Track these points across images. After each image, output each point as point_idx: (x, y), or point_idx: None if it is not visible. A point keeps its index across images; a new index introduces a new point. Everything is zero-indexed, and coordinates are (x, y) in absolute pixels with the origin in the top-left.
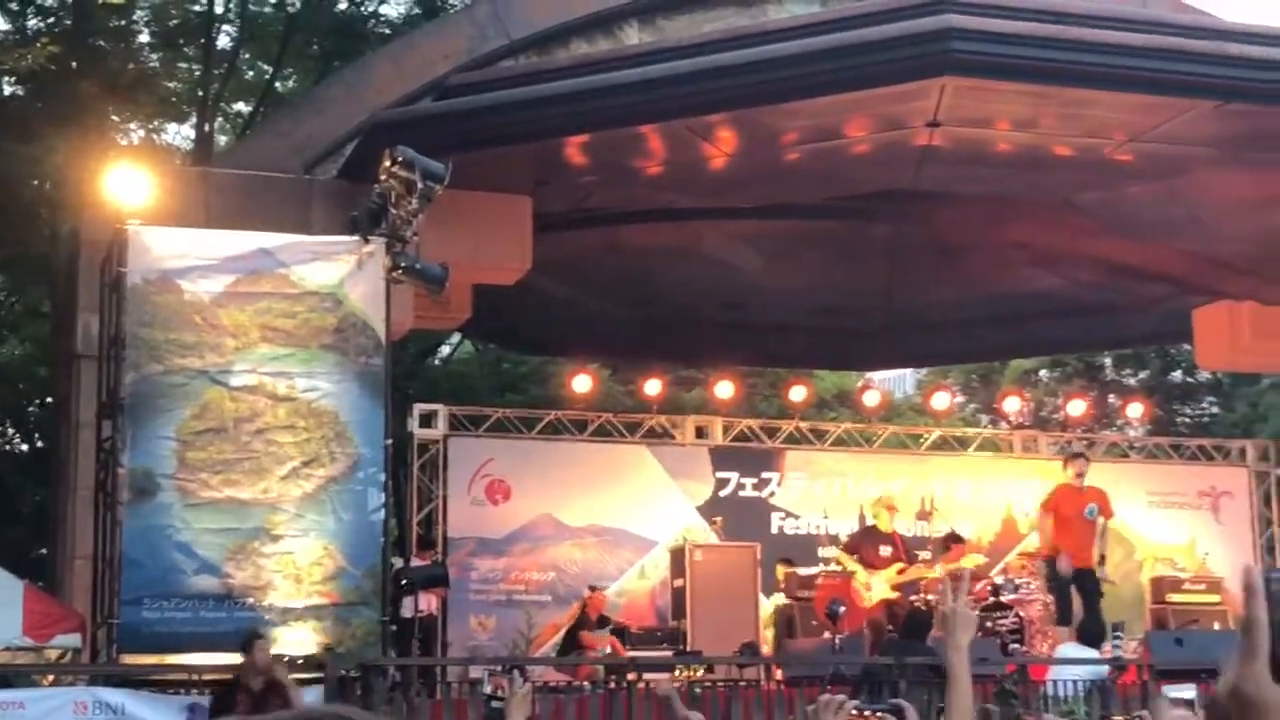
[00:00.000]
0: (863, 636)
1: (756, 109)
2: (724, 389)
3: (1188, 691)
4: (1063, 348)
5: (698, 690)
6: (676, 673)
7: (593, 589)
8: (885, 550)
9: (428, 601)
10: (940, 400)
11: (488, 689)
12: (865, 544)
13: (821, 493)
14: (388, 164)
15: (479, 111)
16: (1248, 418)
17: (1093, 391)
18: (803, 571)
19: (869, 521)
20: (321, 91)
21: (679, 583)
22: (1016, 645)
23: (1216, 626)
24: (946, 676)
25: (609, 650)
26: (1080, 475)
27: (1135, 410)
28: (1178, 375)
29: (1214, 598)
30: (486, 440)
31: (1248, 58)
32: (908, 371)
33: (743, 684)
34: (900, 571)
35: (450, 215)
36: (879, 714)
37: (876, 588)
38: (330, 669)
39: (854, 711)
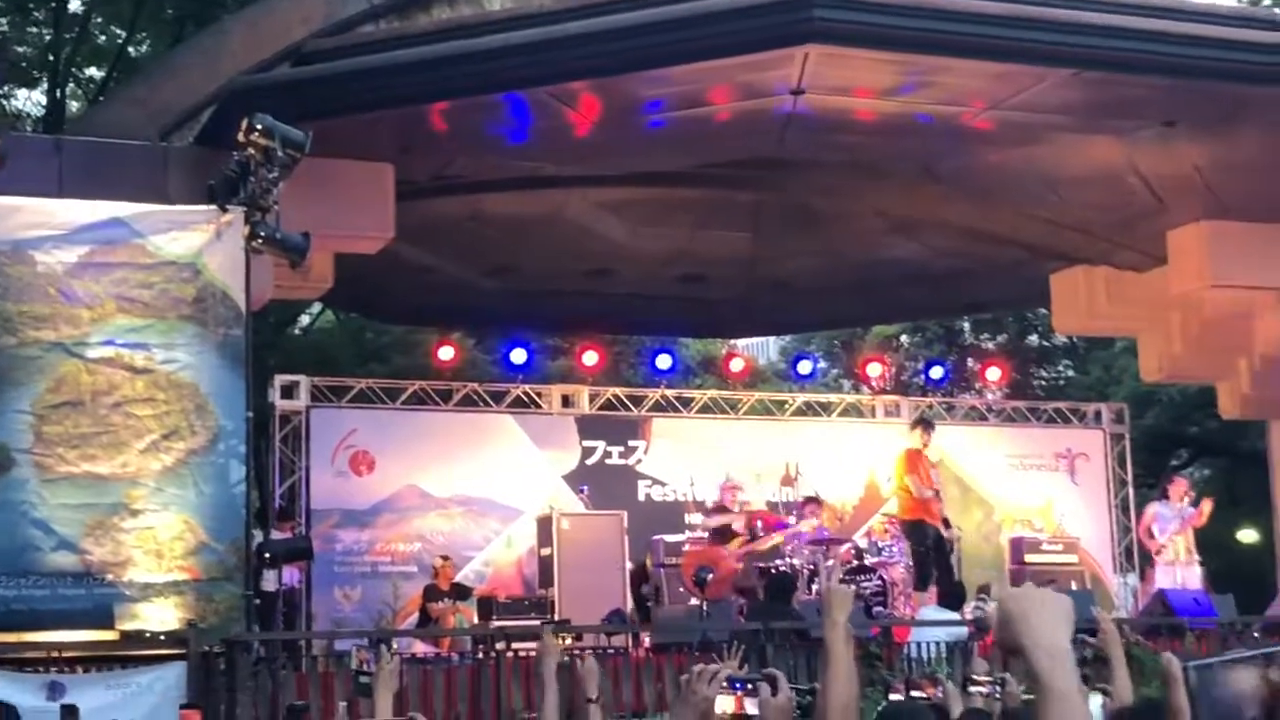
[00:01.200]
0: (729, 602)
1: (620, 76)
2: (590, 357)
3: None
4: (923, 313)
5: (565, 659)
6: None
7: (444, 559)
8: (736, 525)
9: (291, 574)
10: (804, 367)
11: (354, 664)
12: (715, 521)
13: (688, 460)
14: (246, 132)
15: (338, 78)
16: (1102, 380)
17: (952, 356)
18: (669, 539)
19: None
20: (177, 57)
21: (546, 551)
22: (880, 608)
23: (1074, 586)
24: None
25: (461, 620)
26: (928, 442)
27: (993, 374)
28: (1034, 339)
29: (1071, 558)
30: (349, 411)
31: (1104, 26)
32: (771, 338)
33: (611, 651)
34: (743, 544)
35: (311, 183)
36: (752, 683)
37: (726, 560)
38: (193, 645)
39: (726, 682)
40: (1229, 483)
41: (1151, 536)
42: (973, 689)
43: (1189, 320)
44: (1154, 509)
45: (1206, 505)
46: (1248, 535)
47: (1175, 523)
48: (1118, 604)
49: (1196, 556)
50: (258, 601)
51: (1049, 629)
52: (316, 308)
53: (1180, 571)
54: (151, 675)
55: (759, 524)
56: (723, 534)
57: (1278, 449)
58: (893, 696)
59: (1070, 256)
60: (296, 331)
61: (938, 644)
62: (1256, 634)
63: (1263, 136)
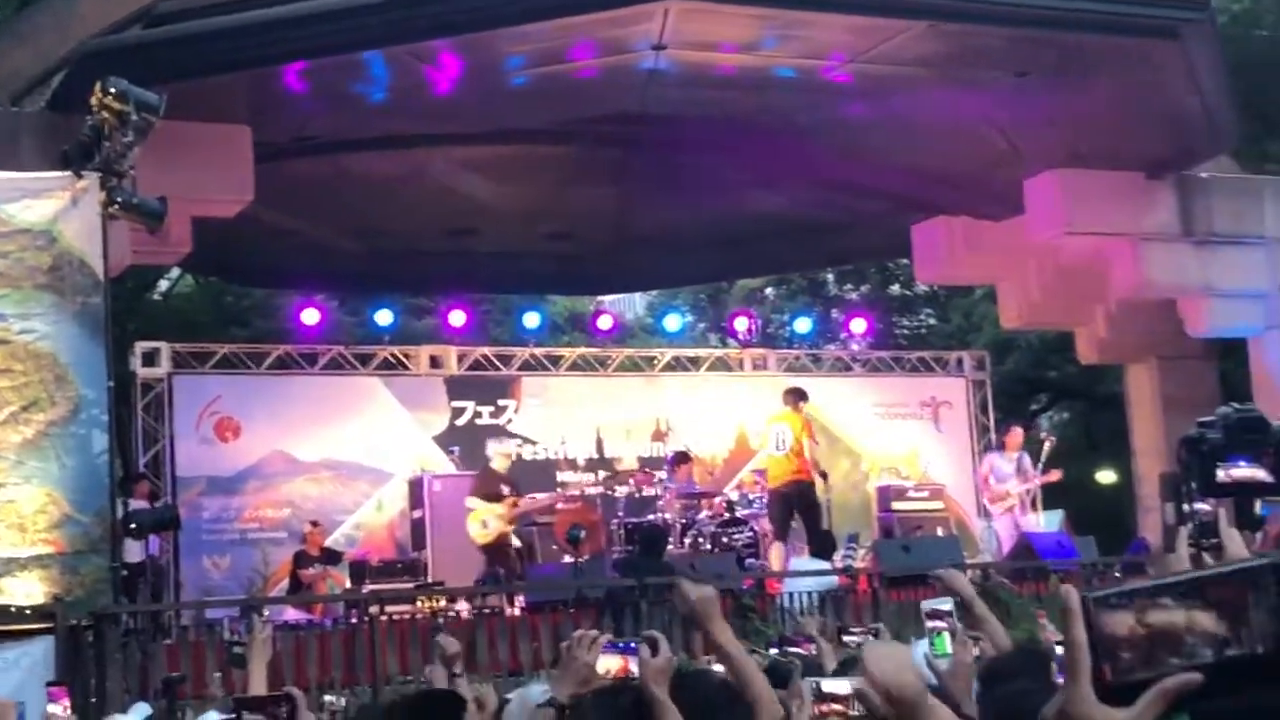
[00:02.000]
0: (604, 560)
1: (479, 33)
2: (456, 317)
3: (944, 603)
4: (787, 266)
5: (440, 621)
6: (419, 604)
7: (313, 525)
8: (505, 489)
9: (154, 544)
10: (671, 322)
11: (226, 634)
12: (485, 483)
13: (558, 418)
14: (99, 96)
15: (191, 39)
16: (963, 328)
17: (817, 308)
18: (540, 497)
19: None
20: (25, 21)
21: (417, 514)
22: (752, 559)
23: (939, 532)
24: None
25: (332, 585)
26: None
27: (858, 325)
28: (897, 289)
29: (937, 504)
30: (213, 377)
31: None
32: (638, 293)
33: (486, 611)
34: (513, 505)
35: (167, 147)
36: (632, 646)
37: (493, 522)
38: (60, 619)
39: (606, 646)
40: (1087, 426)
41: (988, 486)
42: (847, 639)
43: (1046, 268)
44: (991, 459)
45: (1048, 445)
46: (1106, 477)
47: (1012, 473)
48: (982, 548)
49: (1035, 508)
50: (125, 573)
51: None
52: (176, 272)
53: (1017, 520)
54: (18, 650)
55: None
56: (490, 494)
57: (1134, 393)
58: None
59: (930, 207)
60: (156, 297)
61: (810, 594)
62: (1118, 574)
63: (1114, 85)
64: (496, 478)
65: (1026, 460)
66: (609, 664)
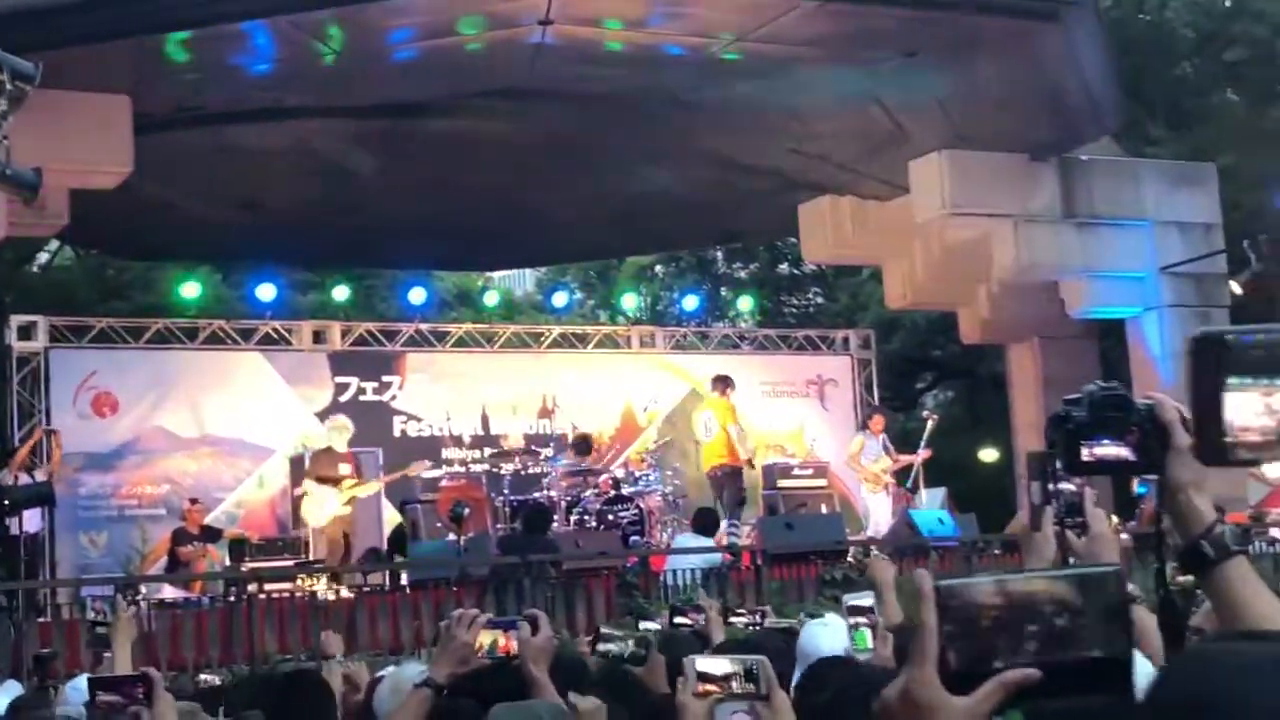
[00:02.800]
0: (488, 536)
1: (363, 5)
2: (340, 292)
3: (865, 599)
4: (677, 244)
5: (320, 600)
6: (299, 582)
7: (193, 502)
8: (344, 468)
9: (33, 520)
10: (559, 299)
11: (90, 614)
12: (322, 465)
13: (444, 394)
14: None
15: (71, 7)
16: (850, 307)
17: (705, 285)
18: (427, 475)
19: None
20: None
21: (299, 491)
22: (637, 537)
23: (823, 509)
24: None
25: (211, 563)
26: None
27: (745, 303)
28: (785, 268)
29: (821, 482)
30: (91, 351)
31: None
32: (528, 270)
33: (367, 590)
34: (352, 488)
35: (44, 116)
36: (514, 623)
37: (330, 505)
38: None
39: (487, 625)
40: (970, 404)
41: (860, 464)
42: (734, 619)
43: (930, 248)
44: (861, 439)
45: (930, 423)
46: (988, 455)
47: (881, 451)
48: (865, 526)
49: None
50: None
51: None
52: (55, 244)
53: (887, 499)
54: None
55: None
56: (326, 476)
57: (1016, 372)
58: (645, 625)
59: (817, 186)
60: (35, 269)
61: (694, 571)
62: (997, 551)
63: (998, 67)
64: (335, 457)
65: (888, 442)
66: (488, 641)
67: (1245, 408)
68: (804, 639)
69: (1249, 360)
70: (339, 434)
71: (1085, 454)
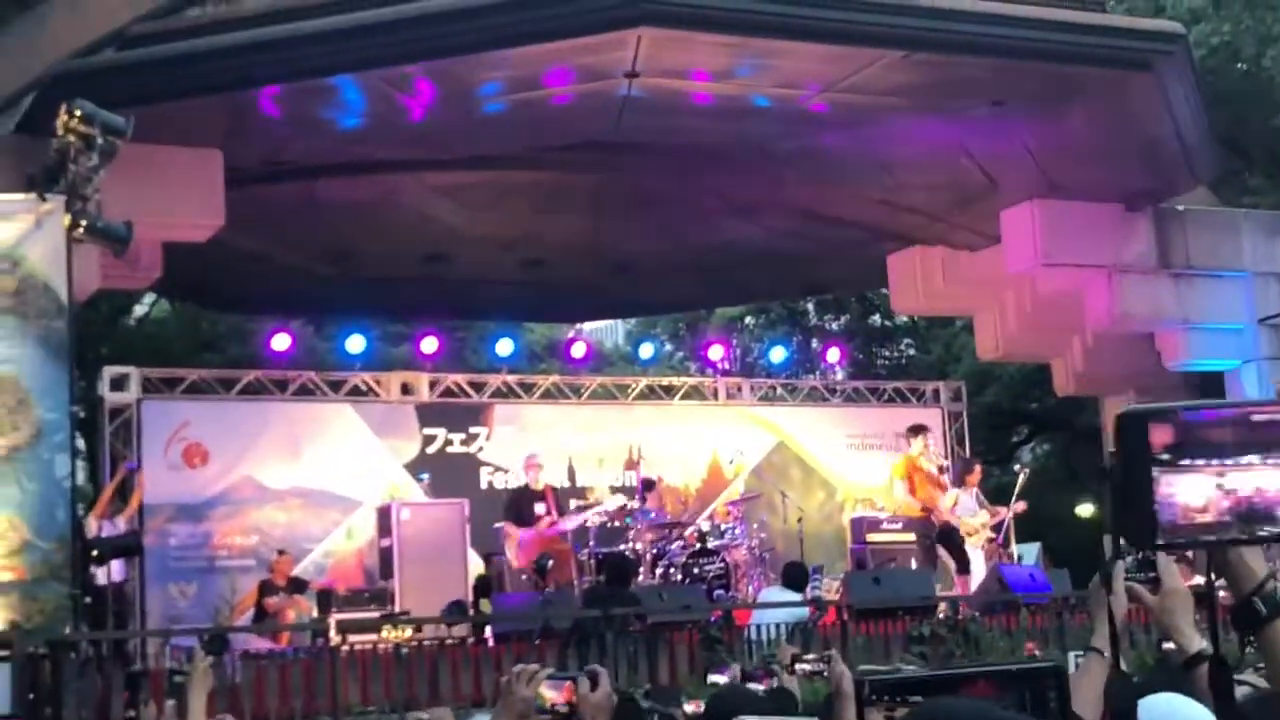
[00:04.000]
0: (572, 588)
1: (453, 59)
2: (429, 344)
3: (815, 665)
4: (764, 295)
5: (404, 651)
6: (383, 634)
7: (280, 553)
8: (539, 508)
9: (120, 570)
10: (646, 350)
11: (169, 664)
12: (518, 505)
13: (530, 445)
14: (65, 118)
15: (163, 62)
16: (943, 359)
17: (795, 337)
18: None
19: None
20: None
21: (386, 542)
22: (722, 591)
23: (913, 564)
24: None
25: (299, 614)
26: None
27: (833, 355)
28: (877, 319)
29: (910, 536)
30: (182, 402)
31: (931, 8)
32: (619, 321)
33: (450, 642)
34: (550, 525)
35: (137, 170)
36: (573, 680)
37: (528, 545)
38: (18, 647)
39: (547, 680)
40: (1066, 457)
41: (957, 519)
42: (799, 667)
43: (1022, 299)
44: (956, 494)
45: (1022, 476)
46: (1085, 510)
47: (976, 506)
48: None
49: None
50: (88, 599)
51: None
52: (151, 297)
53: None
54: None
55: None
56: (521, 514)
57: (1110, 425)
58: (712, 678)
59: (906, 237)
60: (131, 322)
61: (778, 625)
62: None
63: (1090, 116)
64: (531, 496)
65: (981, 496)
66: (550, 697)
67: (1190, 488)
68: None
69: (1197, 439)
70: (535, 472)
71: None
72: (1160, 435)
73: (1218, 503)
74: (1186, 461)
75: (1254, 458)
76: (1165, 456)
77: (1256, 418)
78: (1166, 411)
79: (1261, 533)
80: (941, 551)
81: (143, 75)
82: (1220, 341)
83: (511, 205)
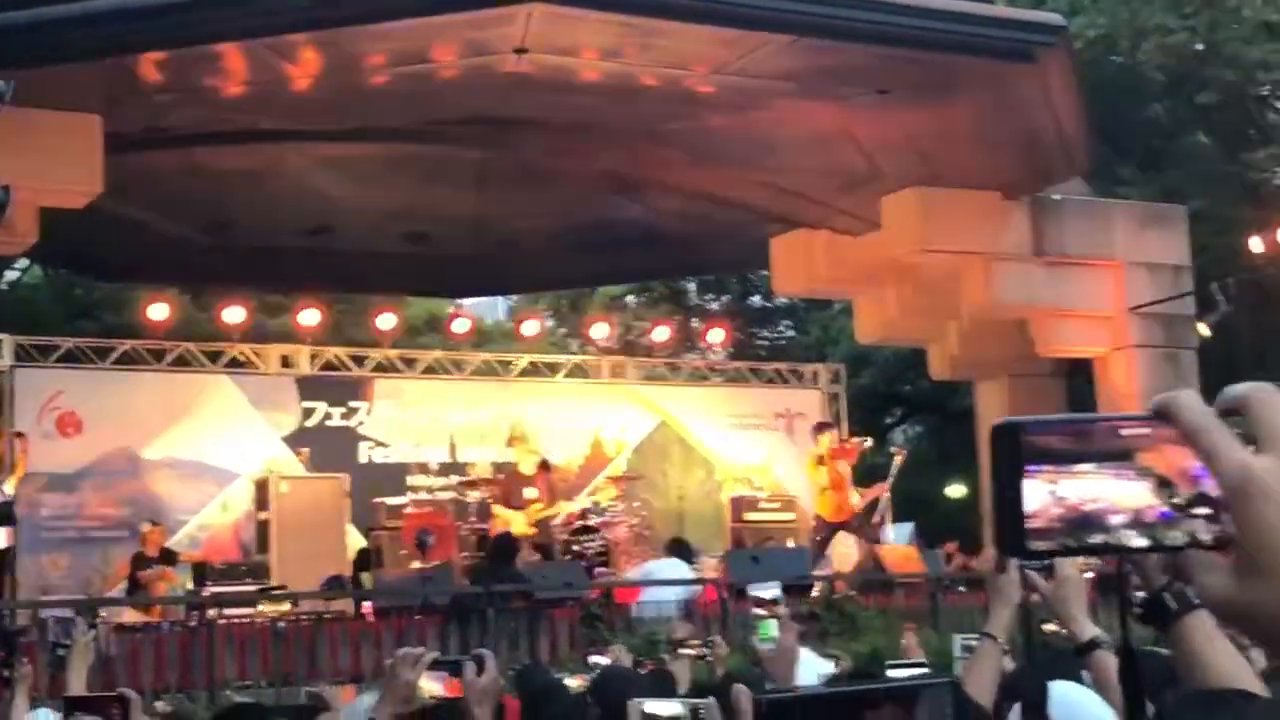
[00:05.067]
0: (451, 565)
1: (339, 30)
2: (309, 317)
3: (769, 591)
4: (648, 274)
5: (281, 626)
6: (260, 608)
7: (153, 524)
8: (530, 492)
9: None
10: (530, 327)
11: (51, 636)
12: (508, 488)
13: (411, 421)
14: None
15: (40, 25)
16: (821, 341)
17: (677, 316)
18: (392, 502)
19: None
20: None
21: (263, 515)
22: (603, 568)
23: (790, 543)
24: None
25: (171, 587)
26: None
27: (716, 335)
28: (757, 300)
29: (789, 515)
30: (56, 371)
31: None
32: (500, 297)
33: (329, 617)
34: (540, 512)
35: (13, 135)
36: (457, 664)
37: (515, 527)
38: None
39: (432, 665)
40: (938, 440)
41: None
42: (682, 651)
43: (902, 284)
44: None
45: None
46: (956, 490)
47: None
48: (830, 560)
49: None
50: None
51: None
52: (24, 263)
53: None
54: None
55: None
56: (509, 497)
57: (984, 409)
58: (593, 659)
59: (790, 220)
60: (2, 287)
61: (659, 605)
62: (961, 589)
63: (972, 106)
64: (521, 481)
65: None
66: (430, 688)
67: (1032, 493)
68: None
69: (1043, 447)
70: (528, 457)
71: None
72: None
73: (1048, 510)
74: (1027, 470)
75: (1089, 466)
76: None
77: (1115, 428)
78: (1025, 422)
79: (1093, 541)
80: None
81: (19, 39)
82: (1091, 329)
83: (396, 178)
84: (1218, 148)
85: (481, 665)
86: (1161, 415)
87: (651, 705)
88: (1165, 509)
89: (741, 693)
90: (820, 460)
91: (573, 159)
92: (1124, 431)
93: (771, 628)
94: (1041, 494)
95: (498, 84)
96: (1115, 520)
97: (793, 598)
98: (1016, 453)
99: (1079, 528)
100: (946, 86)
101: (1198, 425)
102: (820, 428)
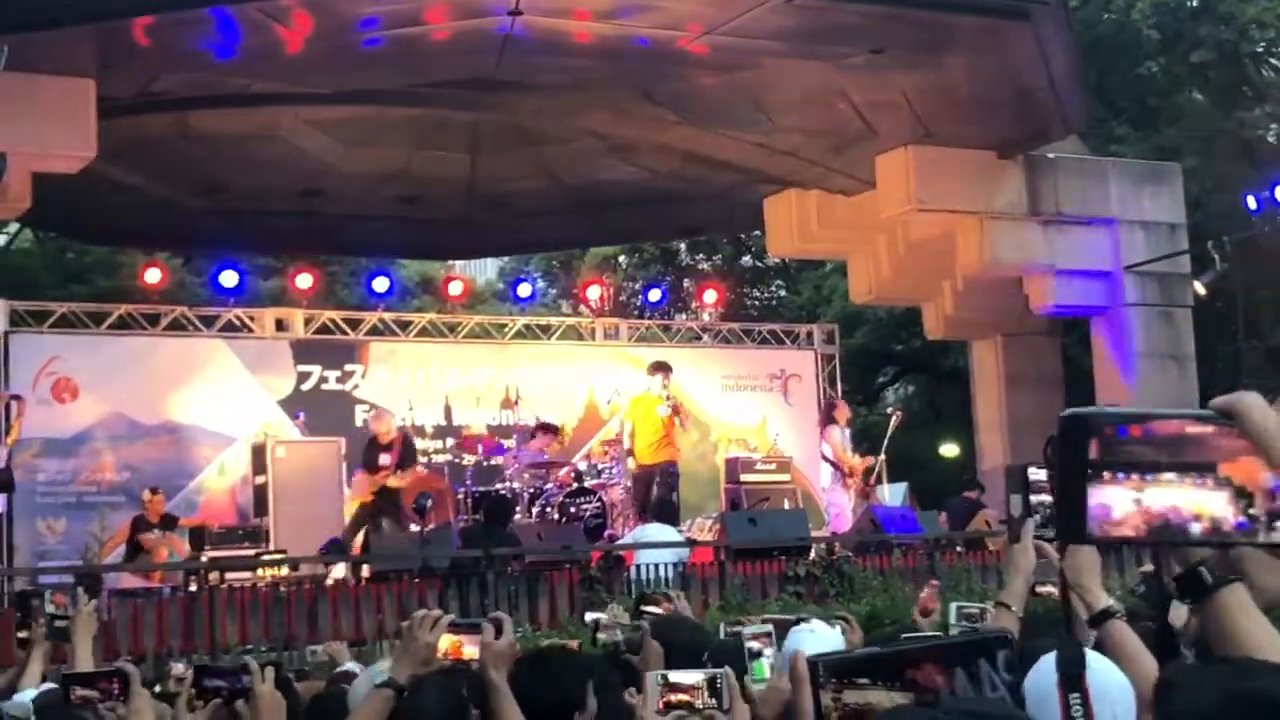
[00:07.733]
0: (450, 528)
1: None
2: (303, 280)
3: (764, 629)
4: (640, 235)
5: (281, 590)
6: (259, 572)
7: (154, 491)
8: (384, 459)
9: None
10: (525, 289)
11: (50, 607)
12: (368, 453)
13: (406, 384)
14: None
15: None
16: (813, 300)
17: (668, 277)
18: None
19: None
20: None
21: (260, 480)
22: (600, 530)
23: (786, 505)
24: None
25: (172, 552)
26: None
27: (709, 296)
28: (749, 260)
29: (784, 476)
30: (51, 336)
31: None
32: (490, 259)
33: (329, 581)
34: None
35: (7, 99)
36: (475, 627)
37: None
38: None
39: (449, 627)
40: (932, 399)
41: (844, 457)
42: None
43: (896, 243)
44: (833, 432)
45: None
46: (949, 450)
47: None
48: (828, 520)
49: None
50: None
51: None
52: (14, 227)
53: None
54: None
55: (480, 447)
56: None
57: (978, 368)
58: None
59: (783, 180)
60: None
61: (658, 565)
62: (959, 549)
63: (966, 65)
64: (377, 447)
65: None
66: (445, 645)
67: (1117, 500)
68: (789, 645)
69: (1120, 453)
70: (379, 423)
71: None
72: (1092, 446)
73: (1131, 519)
74: (1107, 475)
75: (1172, 475)
76: (1091, 470)
77: (1187, 431)
78: (1101, 421)
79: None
80: None
81: (13, 3)
82: (1086, 287)
83: (389, 140)
84: (1212, 105)
85: (499, 628)
86: (1225, 414)
87: (675, 674)
88: (1242, 519)
89: (798, 656)
90: (667, 402)
91: (565, 120)
92: (1203, 440)
93: (765, 668)
94: (1125, 502)
95: (491, 45)
96: (1195, 529)
97: (791, 559)
98: (1084, 449)
99: (1159, 534)
100: (940, 45)
101: (1263, 427)
102: (658, 368)
